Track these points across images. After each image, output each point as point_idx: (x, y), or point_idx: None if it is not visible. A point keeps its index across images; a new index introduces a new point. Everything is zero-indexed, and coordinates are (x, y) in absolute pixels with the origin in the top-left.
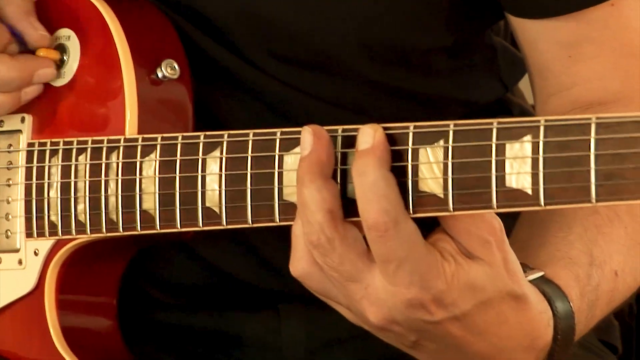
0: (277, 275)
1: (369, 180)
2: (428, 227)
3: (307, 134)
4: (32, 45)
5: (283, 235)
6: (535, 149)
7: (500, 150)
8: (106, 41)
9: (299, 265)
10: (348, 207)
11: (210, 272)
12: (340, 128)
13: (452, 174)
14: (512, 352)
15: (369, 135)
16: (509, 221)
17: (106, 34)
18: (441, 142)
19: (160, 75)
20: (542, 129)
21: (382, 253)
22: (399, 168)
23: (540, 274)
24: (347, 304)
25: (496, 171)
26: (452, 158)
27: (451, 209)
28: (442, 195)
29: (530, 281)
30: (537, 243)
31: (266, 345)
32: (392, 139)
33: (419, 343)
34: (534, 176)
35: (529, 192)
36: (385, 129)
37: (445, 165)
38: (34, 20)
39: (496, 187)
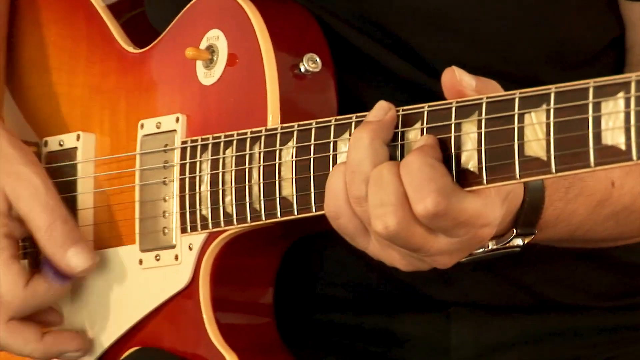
0: (447, 283)
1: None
2: None
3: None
4: None
5: None
6: (627, 104)
7: (596, 108)
8: (250, 39)
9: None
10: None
11: (377, 273)
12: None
13: (554, 134)
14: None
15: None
16: None
17: (250, 32)
18: (544, 106)
19: (302, 69)
20: (633, 84)
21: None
22: (505, 132)
23: None
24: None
25: (593, 128)
26: (554, 118)
27: (554, 171)
28: (545, 158)
29: None
30: None
31: (433, 346)
32: (500, 106)
33: None
34: (627, 131)
35: (623, 147)
36: (489, 97)
37: (548, 126)
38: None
39: (593, 145)
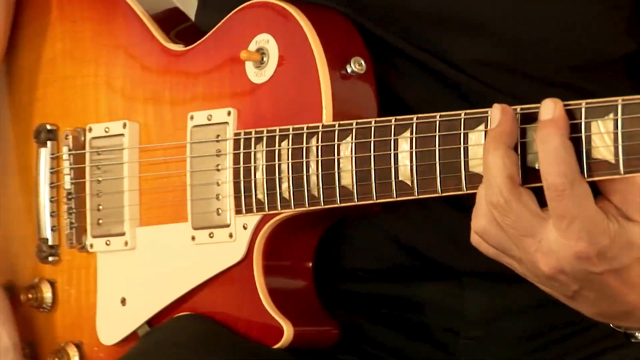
0: (462, 252)
1: (551, 146)
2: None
3: (496, 109)
4: None
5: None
6: None
7: None
8: (301, 43)
9: (480, 221)
10: (526, 175)
11: (399, 247)
12: (519, 107)
13: (622, 142)
14: None
15: (550, 108)
16: None
17: (302, 37)
18: (611, 115)
19: (349, 70)
20: None
21: (558, 209)
22: (573, 139)
23: None
24: (519, 256)
25: None
26: (622, 128)
27: (622, 172)
28: (613, 161)
29: None
30: None
31: (448, 309)
32: (567, 114)
33: (579, 293)
34: None
35: None
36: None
37: (616, 135)
38: None
39: None
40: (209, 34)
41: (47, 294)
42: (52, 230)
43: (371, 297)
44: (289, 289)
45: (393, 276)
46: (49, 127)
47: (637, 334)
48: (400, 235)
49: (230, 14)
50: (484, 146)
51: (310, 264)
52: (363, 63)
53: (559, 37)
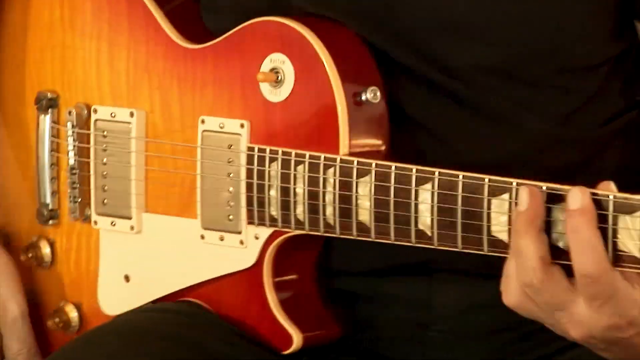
0: (435, 249)
1: (584, 236)
2: None
3: (524, 192)
4: None
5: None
6: None
7: None
8: (318, 68)
9: (513, 298)
10: (552, 252)
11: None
12: (544, 185)
13: None
14: None
15: (578, 198)
16: None
17: (318, 61)
18: (639, 214)
19: (364, 98)
20: None
21: (591, 293)
22: (600, 228)
23: None
24: (552, 323)
25: None
26: None
27: None
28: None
29: None
30: None
31: (418, 303)
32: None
33: (605, 349)
34: None
35: None
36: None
37: None
38: None
39: None
40: (220, 39)
41: (46, 250)
42: (52, 195)
43: (342, 293)
44: (296, 297)
45: (365, 273)
46: (50, 95)
47: None
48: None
49: (243, 25)
50: (513, 227)
51: (314, 270)
52: (378, 94)
53: (551, 40)
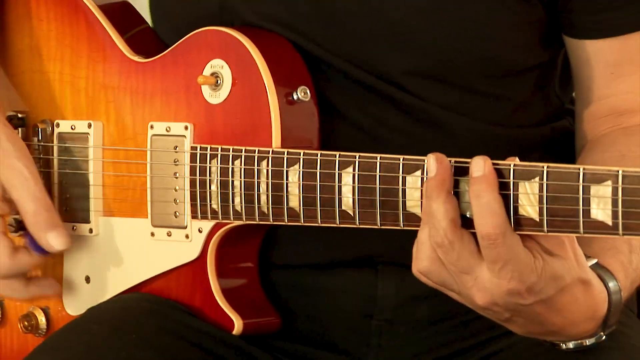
0: (380, 243)
1: (485, 201)
2: None
3: (432, 160)
4: None
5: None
6: (614, 192)
7: (586, 189)
8: (253, 71)
9: (424, 263)
10: (461, 221)
11: (320, 242)
12: (452, 160)
13: (547, 204)
14: (579, 323)
15: (480, 165)
16: None
17: (253, 65)
18: (537, 179)
19: (295, 97)
20: (620, 177)
21: (491, 256)
22: (502, 195)
23: (595, 261)
24: (458, 290)
25: (583, 205)
26: (547, 192)
27: (545, 231)
28: (537, 219)
29: (590, 267)
30: (591, 238)
31: (363, 295)
32: (497, 173)
33: (510, 319)
34: (614, 213)
35: (610, 224)
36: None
37: (541, 197)
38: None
39: (583, 217)
40: (167, 51)
41: None
42: None
43: (288, 285)
44: (238, 286)
45: (312, 266)
46: (19, 115)
47: (561, 344)
48: (320, 231)
49: (187, 36)
50: (425, 193)
51: (256, 262)
52: (308, 92)
53: (478, 48)
